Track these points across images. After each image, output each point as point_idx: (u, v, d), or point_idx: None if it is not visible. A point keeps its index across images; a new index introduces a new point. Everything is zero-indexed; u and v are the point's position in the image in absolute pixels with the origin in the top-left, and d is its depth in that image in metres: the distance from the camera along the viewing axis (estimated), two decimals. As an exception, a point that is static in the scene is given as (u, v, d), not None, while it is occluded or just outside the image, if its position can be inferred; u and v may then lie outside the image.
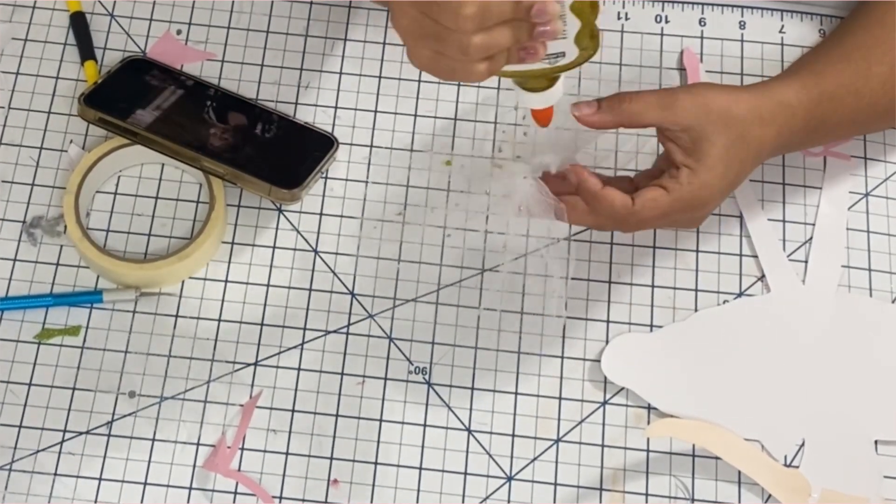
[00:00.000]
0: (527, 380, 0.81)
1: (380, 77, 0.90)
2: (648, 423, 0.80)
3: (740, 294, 0.84)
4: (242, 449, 0.79)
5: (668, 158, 0.75)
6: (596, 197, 0.73)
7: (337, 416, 0.80)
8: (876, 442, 0.79)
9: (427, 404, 0.80)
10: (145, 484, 0.77)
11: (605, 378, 0.81)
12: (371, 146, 0.88)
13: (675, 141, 0.74)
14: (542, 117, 0.73)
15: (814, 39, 0.92)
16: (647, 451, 0.79)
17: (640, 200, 0.73)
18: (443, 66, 0.65)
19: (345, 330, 0.82)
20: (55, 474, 0.77)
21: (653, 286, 0.84)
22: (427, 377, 0.81)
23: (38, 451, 0.78)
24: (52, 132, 0.88)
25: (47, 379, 0.80)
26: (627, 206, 0.73)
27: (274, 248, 0.85)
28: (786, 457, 0.79)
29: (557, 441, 0.79)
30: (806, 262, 0.84)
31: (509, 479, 0.79)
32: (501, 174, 0.81)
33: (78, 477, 0.77)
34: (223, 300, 0.83)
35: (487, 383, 0.81)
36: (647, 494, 0.78)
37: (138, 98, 0.85)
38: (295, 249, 0.85)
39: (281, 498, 0.77)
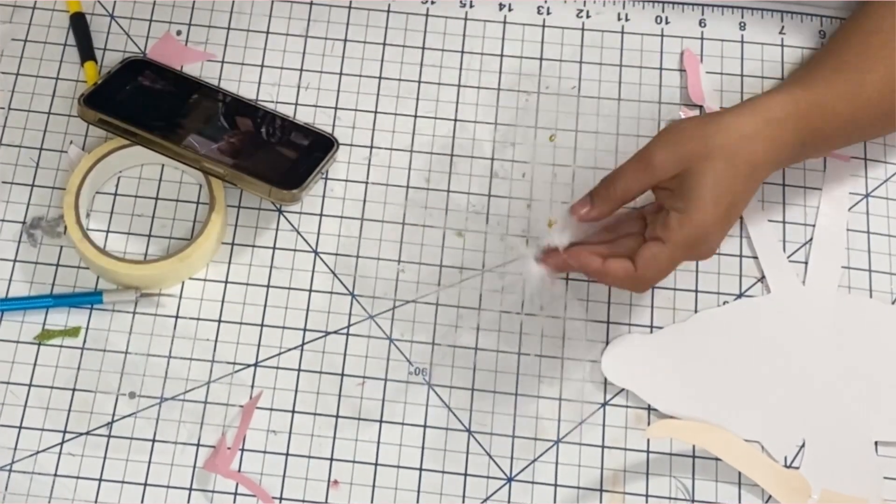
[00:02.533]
0: (527, 381, 0.81)
1: (380, 78, 0.90)
2: (648, 424, 0.80)
3: (740, 295, 0.84)
4: (242, 450, 0.79)
5: (658, 202, 0.76)
6: (600, 274, 0.75)
7: (337, 416, 0.80)
8: (876, 443, 0.79)
9: (427, 405, 0.80)
10: (145, 485, 0.77)
11: (605, 379, 0.81)
12: (371, 147, 0.88)
13: (665, 188, 0.75)
14: None
15: (814, 41, 0.92)
16: (648, 452, 0.79)
17: (640, 262, 0.74)
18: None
19: (345, 331, 0.82)
20: (55, 475, 0.77)
21: (653, 287, 0.84)
22: (427, 378, 0.81)
23: (38, 452, 0.78)
24: (51, 133, 0.88)
25: (47, 380, 0.80)
26: (630, 273, 0.74)
27: (274, 248, 0.85)
28: (786, 458, 0.79)
29: (557, 442, 0.79)
30: (806, 263, 0.84)
31: (509, 480, 0.79)
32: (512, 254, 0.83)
33: (78, 478, 0.77)
34: (223, 301, 0.83)
35: (487, 384, 0.81)
36: (647, 495, 0.78)
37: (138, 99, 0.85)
38: (295, 250, 0.84)
39: (281, 499, 0.77)
